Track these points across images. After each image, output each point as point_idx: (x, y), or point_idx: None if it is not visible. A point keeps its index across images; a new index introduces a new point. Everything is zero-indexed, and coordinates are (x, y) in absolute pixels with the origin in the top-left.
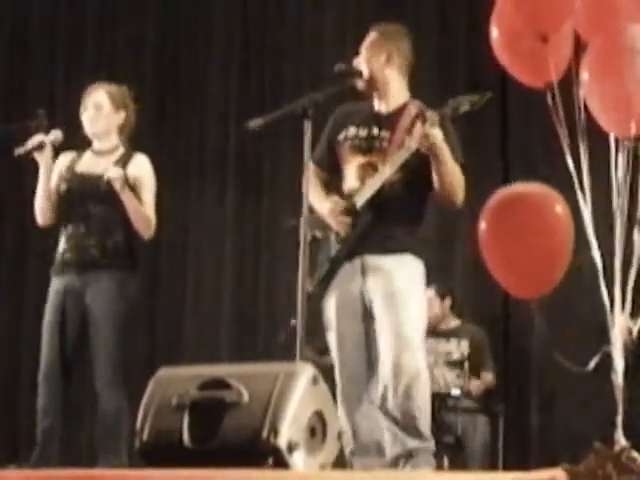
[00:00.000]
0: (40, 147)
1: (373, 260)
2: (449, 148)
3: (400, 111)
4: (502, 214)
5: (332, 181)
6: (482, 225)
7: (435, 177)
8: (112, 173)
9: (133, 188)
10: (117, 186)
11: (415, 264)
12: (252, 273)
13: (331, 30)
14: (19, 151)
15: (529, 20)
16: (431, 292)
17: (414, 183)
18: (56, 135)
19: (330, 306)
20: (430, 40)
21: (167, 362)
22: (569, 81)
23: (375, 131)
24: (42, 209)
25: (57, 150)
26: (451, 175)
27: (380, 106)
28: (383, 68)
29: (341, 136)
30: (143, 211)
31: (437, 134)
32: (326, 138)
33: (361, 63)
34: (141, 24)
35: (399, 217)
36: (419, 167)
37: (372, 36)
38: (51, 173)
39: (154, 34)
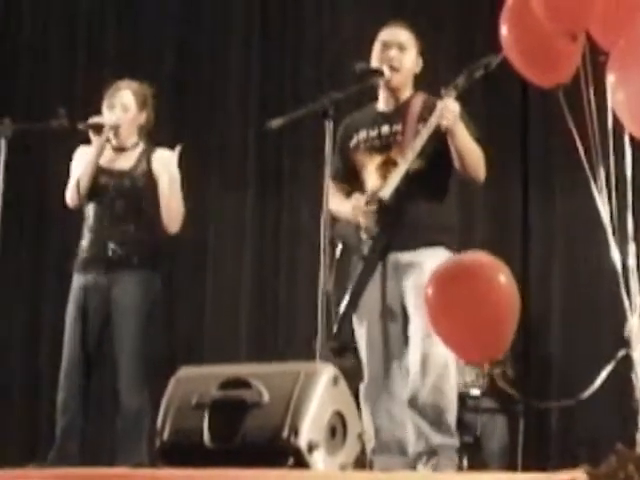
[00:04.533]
0: (99, 127)
1: (404, 257)
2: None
3: (406, 103)
4: (448, 284)
5: (353, 190)
6: (428, 293)
7: (455, 155)
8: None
9: (158, 182)
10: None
11: (445, 255)
12: (272, 272)
13: (350, 28)
14: (81, 125)
15: (559, 18)
16: None
17: (436, 167)
18: (117, 119)
19: (362, 305)
20: (448, 37)
21: (186, 361)
22: (577, 82)
23: (385, 128)
24: (77, 189)
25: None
26: (470, 150)
27: (386, 104)
28: (409, 64)
29: (353, 142)
30: (177, 209)
31: (455, 106)
32: (338, 150)
33: (387, 60)
34: (161, 22)
35: (426, 205)
36: (438, 151)
37: (394, 31)
38: (99, 156)
39: (174, 34)
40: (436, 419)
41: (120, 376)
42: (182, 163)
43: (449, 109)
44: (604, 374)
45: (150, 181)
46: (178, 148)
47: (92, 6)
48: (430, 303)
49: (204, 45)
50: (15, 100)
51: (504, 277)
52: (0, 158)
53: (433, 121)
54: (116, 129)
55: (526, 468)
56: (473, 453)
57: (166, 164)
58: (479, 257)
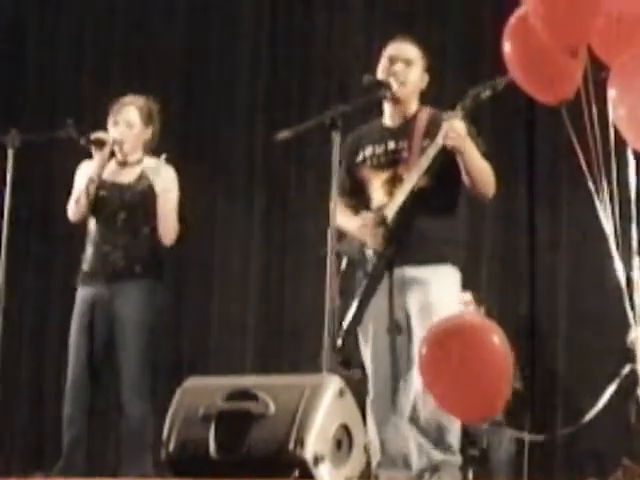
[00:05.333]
0: (101, 142)
1: (410, 272)
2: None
3: (413, 119)
4: (440, 345)
5: (359, 205)
6: (422, 352)
7: (464, 172)
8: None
9: (158, 196)
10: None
11: (451, 273)
12: (278, 284)
13: (359, 41)
14: (82, 140)
15: (559, 34)
16: (468, 296)
17: (443, 184)
18: (120, 135)
19: (367, 320)
20: (457, 53)
21: (192, 372)
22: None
23: (392, 145)
24: (78, 204)
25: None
26: (479, 167)
27: (393, 119)
28: (414, 79)
29: (359, 158)
30: (174, 221)
31: (461, 126)
32: (345, 166)
33: (393, 74)
34: (169, 35)
35: (432, 222)
36: (445, 167)
37: (401, 46)
38: (101, 171)
39: (181, 44)
40: (437, 438)
41: (124, 387)
42: (187, 175)
43: (455, 130)
44: (610, 390)
45: (151, 195)
46: (163, 156)
47: (100, 19)
48: (423, 363)
49: (212, 57)
50: (22, 111)
51: (497, 338)
52: (8, 168)
53: (439, 141)
54: (120, 145)
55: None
56: (479, 466)
57: (166, 180)
58: (472, 318)
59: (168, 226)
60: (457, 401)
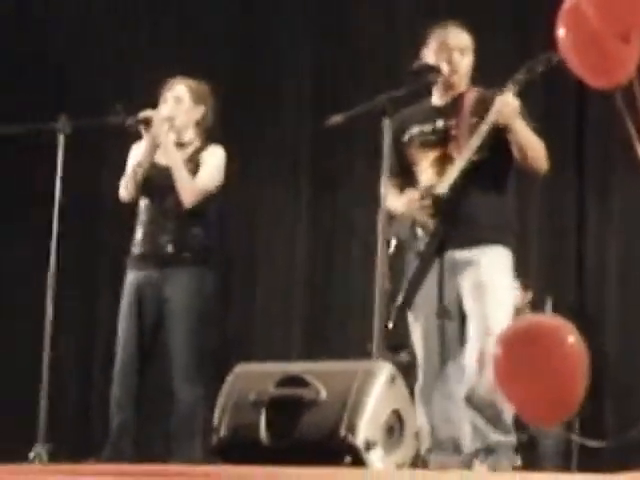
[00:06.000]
0: (146, 122)
1: (461, 254)
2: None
3: (460, 98)
4: (516, 346)
5: (405, 185)
6: (497, 354)
7: (515, 149)
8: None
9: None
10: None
11: (503, 253)
12: (325, 270)
13: (404, 26)
14: (130, 120)
15: (611, 19)
16: (516, 283)
17: (493, 162)
18: (170, 111)
19: (417, 303)
20: (504, 34)
21: (238, 358)
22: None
23: (440, 123)
24: (128, 182)
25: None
26: (532, 142)
27: (440, 99)
28: (467, 66)
29: (406, 137)
30: (186, 179)
31: (515, 101)
32: (391, 145)
33: (447, 61)
34: (218, 20)
35: (482, 202)
36: (496, 145)
37: (454, 33)
38: (152, 151)
39: (228, 29)
40: (493, 417)
41: (174, 372)
42: (233, 162)
43: (508, 104)
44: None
45: None
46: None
47: (151, 4)
48: (498, 365)
49: (258, 43)
50: (70, 97)
51: (573, 339)
52: (58, 154)
53: (491, 117)
54: (171, 122)
55: (581, 468)
56: (527, 452)
57: (210, 153)
58: (547, 319)
59: (185, 186)
60: (531, 403)
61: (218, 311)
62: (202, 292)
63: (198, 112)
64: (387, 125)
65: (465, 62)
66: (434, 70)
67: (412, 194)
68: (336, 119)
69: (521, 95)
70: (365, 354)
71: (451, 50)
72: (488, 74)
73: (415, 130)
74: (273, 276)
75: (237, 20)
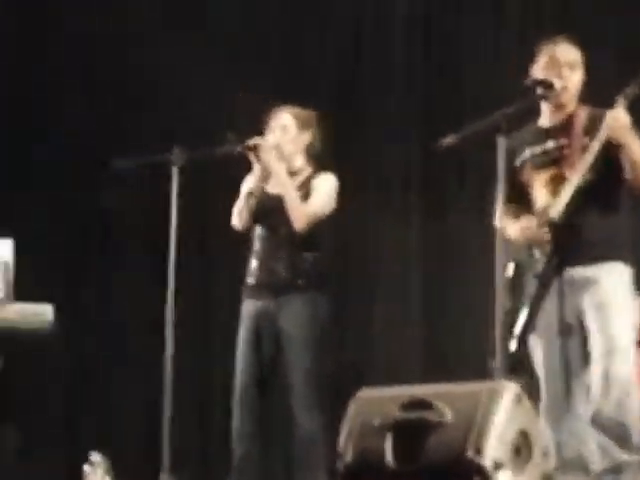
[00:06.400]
0: (254, 148)
1: (579, 272)
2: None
3: (570, 117)
4: None
5: (519, 212)
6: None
7: (628, 165)
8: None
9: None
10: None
11: (623, 271)
12: (440, 293)
13: (510, 45)
14: (239, 147)
15: None
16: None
17: (606, 180)
18: (276, 139)
19: (538, 323)
20: (611, 50)
21: (357, 383)
22: None
23: (550, 144)
24: (241, 211)
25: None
26: None
27: (550, 120)
28: (576, 82)
29: (518, 161)
30: (297, 203)
31: (626, 116)
32: (505, 166)
33: (557, 77)
34: (321, 43)
35: (598, 220)
36: (608, 163)
37: (564, 48)
38: (263, 179)
39: (333, 51)
40: (620, 436)
41: (293, 400)
42: (344, 185)
43: (619, 120)
44: None
45: None
46: None
47: (255, 34)
48: None
49: (365, 65)
50: (178, 128)
51: None
52: (173, 187)
53: (603, 133)
54: (278, 150)
55: None
56: None
57: (321, 179)
58: None
59: (296, 211)
60: None
61: (333, 336)
62: (316, 318)
63: (305, 139)
64: (502, 142)
65: (575, 78)
66: (546, 85)
67: (528, 221)
68: (449, 140)
69: (632, 110)
70: (486, 376)
71: (561, 66)
72: (597, 91)
73: (527, 153)
74: (389, 300)
75: (341, 40)
